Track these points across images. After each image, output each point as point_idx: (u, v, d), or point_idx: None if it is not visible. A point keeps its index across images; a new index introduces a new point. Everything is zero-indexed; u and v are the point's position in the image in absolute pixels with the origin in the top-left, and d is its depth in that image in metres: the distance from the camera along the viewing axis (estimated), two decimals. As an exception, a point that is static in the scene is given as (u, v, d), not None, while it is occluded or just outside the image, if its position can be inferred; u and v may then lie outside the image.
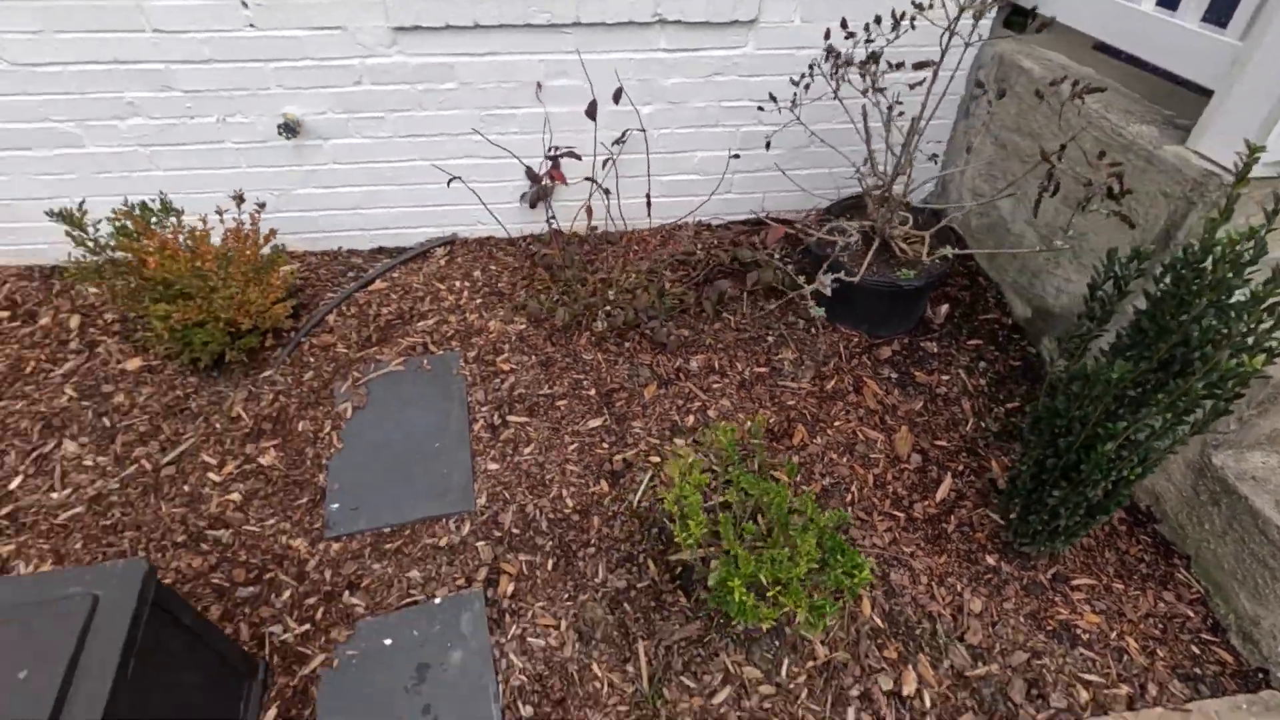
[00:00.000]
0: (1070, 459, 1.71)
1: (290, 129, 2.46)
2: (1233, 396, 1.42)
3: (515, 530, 2.04)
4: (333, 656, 1.77)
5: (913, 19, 2.08)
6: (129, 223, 2.17)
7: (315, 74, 2.41)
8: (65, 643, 1.20)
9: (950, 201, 2.99)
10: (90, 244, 2.17)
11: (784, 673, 1.78)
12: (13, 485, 2.07)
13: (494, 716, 1.67)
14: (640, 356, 2.52)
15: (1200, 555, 1.97)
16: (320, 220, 2.82)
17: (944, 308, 2.67)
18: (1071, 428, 1.69)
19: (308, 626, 1.83)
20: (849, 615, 1.88)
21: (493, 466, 2.18)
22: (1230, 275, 1.38)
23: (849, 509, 2.11)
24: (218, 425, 2.25)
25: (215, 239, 2.34)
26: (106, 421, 2.23)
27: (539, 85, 2.55)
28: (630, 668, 1.78)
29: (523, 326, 2.61)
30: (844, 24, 2.18)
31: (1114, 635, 1.87)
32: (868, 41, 2.15)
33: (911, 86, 2.21)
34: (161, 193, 2.37)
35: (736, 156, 2.82)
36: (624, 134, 2.68)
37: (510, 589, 1.91)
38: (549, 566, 1.97)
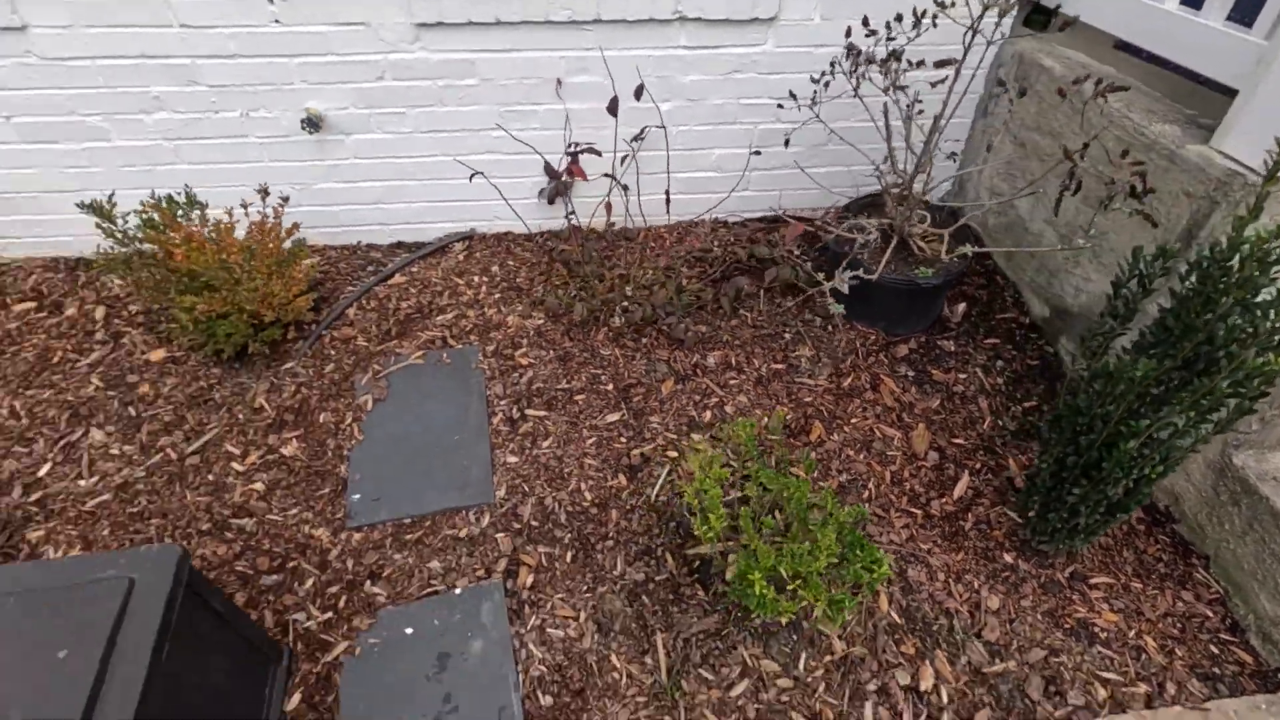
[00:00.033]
0: (1091, 457, 1.71)
1: (313, 124, 2.49)
2: (1258, 395, 1.42)
3: (534, 523, 2.06)
4: (355, 644, 1.79)
5: (934, 17, 2.08)
6: (156, 215, 2.20)
7: (338, 69, 2.44)
8: (102, 624, 1.22)
9: (968, 200, 2.99)
10: (119, 235, 2.21)
11: (801, 666, 1.79)
12: (41, 472, 2.10)
13: (514, 705, 1.69)
14: (657, 352, 2.53)
15: (1219, 555, 1.97)
16: (341, 215, 2.84)
17: (961, 306, 2.67)
18: (1093, 425, 1.69)
19: (330, 614, 1.85)
20: (866, 611, 1.89)
21: (512, 459, 2.20)
22: (1258, 273, 1.38)
23: (866, 505, 2.12)
24: (240, 416, 2.28)
25: (239, 232, 2.37)
26: (132, 411, 2.27)
27: (559, 82, 2.56)
28: (649, 659, 1.79)
29: (541, 321, 2.63)
30: (865, 22, 2.19)
31: (1132, 634, 1.87)
32: (889, 39, 2.16)
33: (933, 85, 2.21)
34: (186, 186, 2.40)
35: (757, 153, 2.82)
36: (643, 130, 2.69)
37: (530, 580, 1.93)
38: (568, 559, 1.98)
